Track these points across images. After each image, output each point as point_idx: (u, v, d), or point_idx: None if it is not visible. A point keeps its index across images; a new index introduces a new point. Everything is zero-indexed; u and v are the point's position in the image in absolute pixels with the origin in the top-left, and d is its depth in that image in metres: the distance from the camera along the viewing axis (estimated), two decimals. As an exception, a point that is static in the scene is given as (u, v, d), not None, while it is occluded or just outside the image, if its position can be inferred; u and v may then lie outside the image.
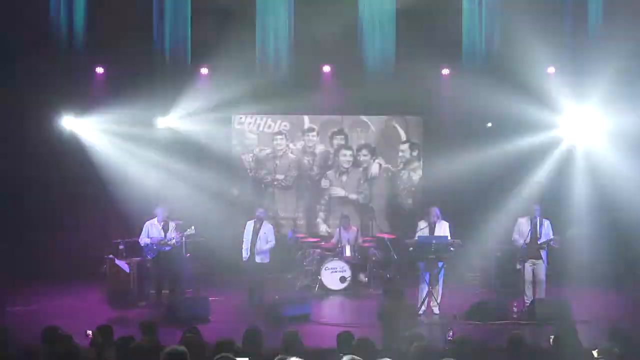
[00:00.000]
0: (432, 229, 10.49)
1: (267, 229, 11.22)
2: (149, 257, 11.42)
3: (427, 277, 10.42)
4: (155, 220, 11.39)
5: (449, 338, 6.31)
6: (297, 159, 14.41)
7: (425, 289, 10.44)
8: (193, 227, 11.25)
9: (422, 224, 10.61)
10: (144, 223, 11.43)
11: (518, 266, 10.57)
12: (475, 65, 13.68)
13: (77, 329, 6.98)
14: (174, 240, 11.28)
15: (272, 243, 11.19)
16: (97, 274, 11.64)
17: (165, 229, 11.35)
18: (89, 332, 6.87)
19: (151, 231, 11.31)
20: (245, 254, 11.11)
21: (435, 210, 10.55)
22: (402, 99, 13.72)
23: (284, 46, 13.71)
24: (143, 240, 11.33)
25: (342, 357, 4.97)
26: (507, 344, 5.91)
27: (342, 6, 13.74)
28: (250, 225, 11.20)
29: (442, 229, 10.51)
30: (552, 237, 10.43)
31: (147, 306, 11.09)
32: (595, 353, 5.92)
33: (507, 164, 13.96)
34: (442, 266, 10.40)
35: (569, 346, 6.14)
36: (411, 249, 10.34)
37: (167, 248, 11.34)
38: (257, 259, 11.06)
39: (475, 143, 14.02)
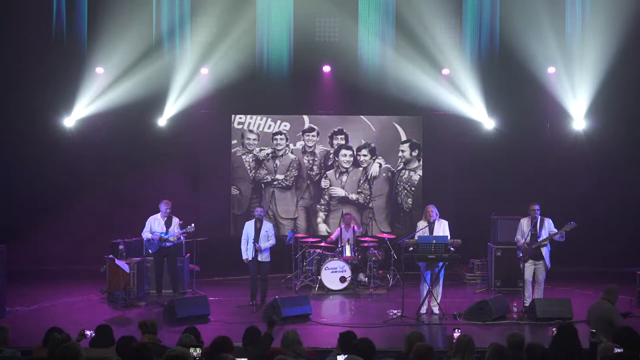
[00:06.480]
0: (431, 228, 10.45)
1: (267, 227, 11.19)
2: (150, 251, 11.43)
3: (427, 277, 10.41)
4: (158, 215, 11.38)
5: (455, 340, 6.24)
6: (297, 159, 14.40)
7: (425, 289, 10.42)
8: (193, 225, 11.25)
9: (422, 224, 10.59)
10: (148, 218, 11.41)
11: (520, 266, 10.56)
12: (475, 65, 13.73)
13: (77, 329, 6.98)
14: (175, 236, 11.28)
15: (273, 241, 11.15)
16: (97, 273, 11.62)
17: (168, 224, 11.34)
18: (87, 332, 6.88)
19: (153, 226, 11.31)
20: (246, 254, 11.05)
21: (432, 208, 10.51)
22: (402, 99, 13.71)
23: (284, 46, 13.72)
24: (145, 234, 11.34)
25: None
26: (507, 344, 5.90)
27: (343, 5, 13.78)
28: (250, 225, 11.14)
29: (442, 227, 10.48)
30: (553, 232, 10.38)
31: (147, 306, 11.08)
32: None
33: (508, 163, 13.99)
34: (442, 266, 10.39)
35: (568, 345, 6.13)
36: (411, 249, 10.31)
37: (169, 244, 11.34)
38: (260, 258, 11.01)
39: (475, 143, 14.04)
